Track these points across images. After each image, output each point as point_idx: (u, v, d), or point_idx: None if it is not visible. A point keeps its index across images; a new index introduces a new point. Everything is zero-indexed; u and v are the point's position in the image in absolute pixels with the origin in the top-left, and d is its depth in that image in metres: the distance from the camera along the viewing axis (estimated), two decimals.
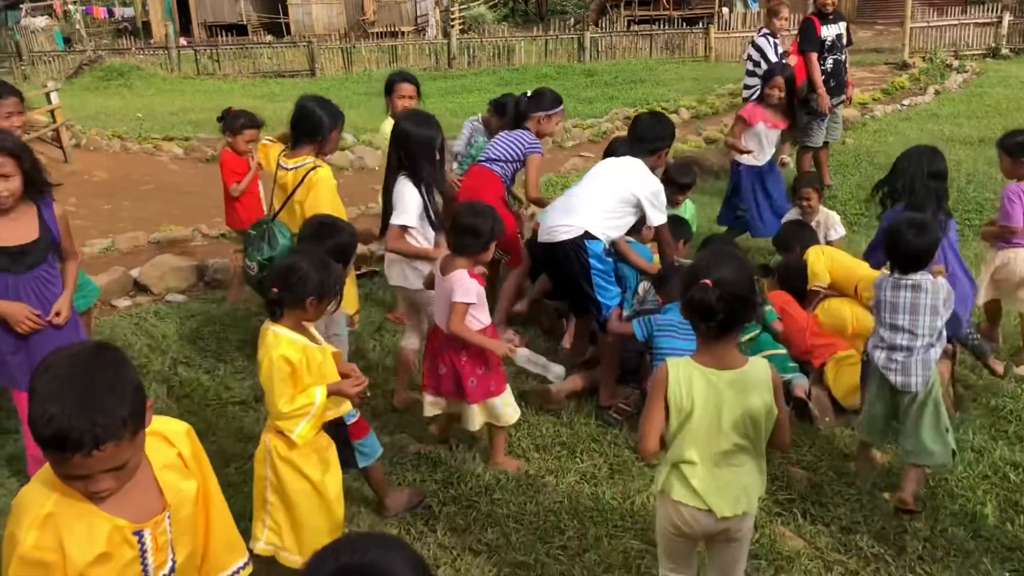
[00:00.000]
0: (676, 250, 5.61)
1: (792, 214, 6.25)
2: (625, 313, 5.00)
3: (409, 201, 4.35)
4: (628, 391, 4.76)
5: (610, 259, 4.81)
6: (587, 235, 4.70)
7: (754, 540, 3.70)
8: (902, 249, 3.83)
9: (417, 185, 4.34)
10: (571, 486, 4.09)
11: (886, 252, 4.01)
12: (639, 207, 4.80)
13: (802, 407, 4.64)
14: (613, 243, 4.88)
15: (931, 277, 3.87)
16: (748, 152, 6.90)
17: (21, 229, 3.61)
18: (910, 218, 3.96)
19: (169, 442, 2.05)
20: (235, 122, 6.09)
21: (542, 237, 4.86)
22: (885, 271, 4.11)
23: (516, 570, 3.52)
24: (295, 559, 3.22)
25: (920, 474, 3.92)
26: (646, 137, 4.95)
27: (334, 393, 3.17)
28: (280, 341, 3.04)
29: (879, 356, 3.92)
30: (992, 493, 4.06)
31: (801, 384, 4.71)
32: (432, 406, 4.18)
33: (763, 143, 6.92)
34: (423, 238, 4.44)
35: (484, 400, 4.05)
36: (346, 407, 3.35)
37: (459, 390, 4.03)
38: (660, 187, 4.85)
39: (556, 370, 4.10)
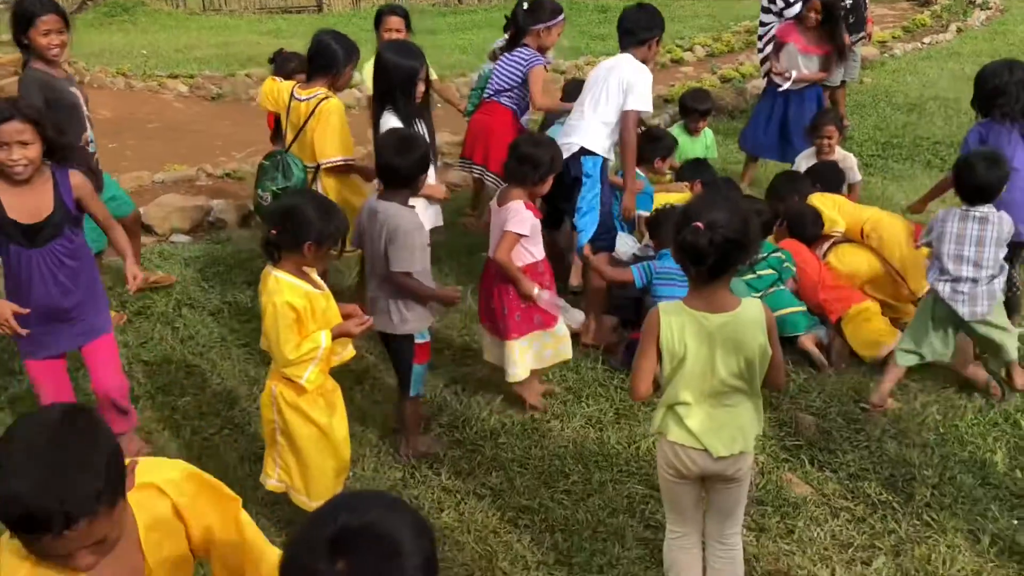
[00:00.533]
0: (661, 169, 5.50)
1: (808, 152, 6.11)
2: (625, 249, 4.92)
3: None
4: (611, 320, 4.77)
5: (599, 183, 4.68)
6: (583, 151, 4.62)
7: (760, 486, 3.69)
8: (973, 182, 3.99)
9: (404, 120, 4.19)
10: (576, 431, 4.07)
11: (955, 183, 4.12)
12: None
13: (809, 356, 4.60)
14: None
15: (995, 210, 4.00)
16: (785, 76, 6.76)
17: (38, 202, 3.35)
18: (982, 152, 4.15)
19: (163, 492, 1.92)
20: (287, 65, 5.67)
21: None
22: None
23: (520, 514, 3.51)
24: (304, 499, 3.26)
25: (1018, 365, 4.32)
26: (632, 29, 4.76)
27: (339, 335, 3.14)
28: (282, 287, 2.98)
29: (944, 288, 4.04)
30: (1002, 440, 4.02)
31: (815, 333, 4.65)
32: (489, 346, 4.19)
33: (793, 63, 6.79)
34: None
35: (528, 333, 3.99)
36: (350, 351, 3.32)
37: (503, 327, 4.00)
38: (647, 76, 4.66)
39: (576, 316, 4.11)
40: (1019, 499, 3.66)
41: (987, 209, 4.01)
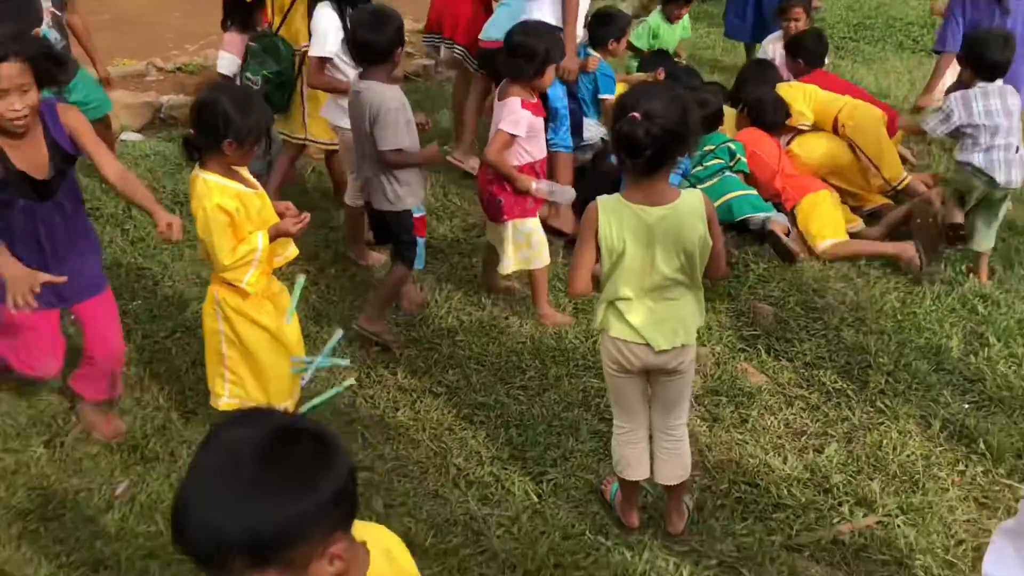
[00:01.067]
0: (616, 51, 5.31)
1: (776, 35, 5.94)
2: (592, 134, 4.83)
3: (327, 28, 3.97)
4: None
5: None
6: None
7: (716, 376, 3.69)
8: (992, 59, 4.21)
9: (340, 9, 3.96)
10: (535, 327, 4.03)
11: (970, 61, 4.33)
12: None
13: (779, 244, 4.54)
14: None
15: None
16: None
17: (37, 152, 2.89)
18: (996, 32, 4.46)
19: None
20: None
21: None
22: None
23: (475, 411, 3.50)
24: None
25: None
26: None
27: (276, 235, 3.00)
28: (211, 189, 2.83)
29: (978, 158, 4.21)
30: (959, 326, 4.04)
31: (779, 222, 4.58)
32: (490, 231, 4.15)
33: None
34: (352, 69, 4.07)
35: (519, 218, 3.90)
36: (293, 250, 3.21)
37: (495, 212, 3.94)
38: None
39: (568, 193, 4.11)
40: (971, 383, 3.69)
41: (1000, 82, 4.23)
